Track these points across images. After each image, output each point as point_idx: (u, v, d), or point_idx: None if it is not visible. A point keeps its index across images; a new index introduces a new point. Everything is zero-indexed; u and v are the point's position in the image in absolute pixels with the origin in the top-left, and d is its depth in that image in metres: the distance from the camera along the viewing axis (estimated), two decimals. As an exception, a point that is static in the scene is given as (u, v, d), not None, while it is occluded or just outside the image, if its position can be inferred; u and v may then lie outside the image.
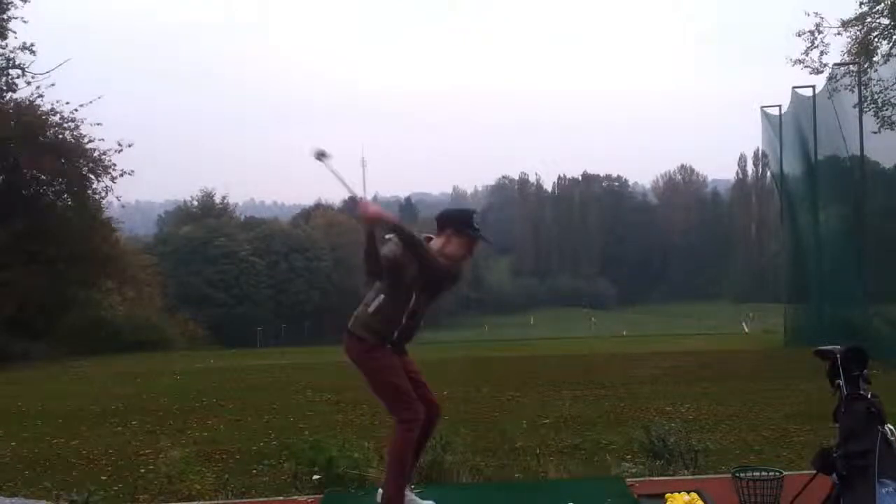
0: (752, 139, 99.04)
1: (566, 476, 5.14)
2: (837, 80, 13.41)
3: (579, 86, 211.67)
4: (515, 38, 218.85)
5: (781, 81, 22.52)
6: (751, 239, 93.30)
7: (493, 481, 5.09)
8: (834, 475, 3.48)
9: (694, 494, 4.16)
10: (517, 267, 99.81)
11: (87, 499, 4.63)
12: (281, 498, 4.79)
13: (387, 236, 4.02)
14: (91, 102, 21.99)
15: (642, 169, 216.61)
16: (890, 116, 12.51)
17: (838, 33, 14.12)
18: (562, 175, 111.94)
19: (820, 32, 13.90)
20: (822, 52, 13.95)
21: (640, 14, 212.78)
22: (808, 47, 13.91)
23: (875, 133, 12.40)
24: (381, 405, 4.13)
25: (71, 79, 23.58)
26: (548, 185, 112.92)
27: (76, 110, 21.89)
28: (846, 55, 14.33)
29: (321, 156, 3.99)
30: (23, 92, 21.76)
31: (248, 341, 45.56)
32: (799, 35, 13.99)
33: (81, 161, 22.51)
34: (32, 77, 21.26)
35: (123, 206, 26.65)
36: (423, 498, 4.24)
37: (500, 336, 46.30)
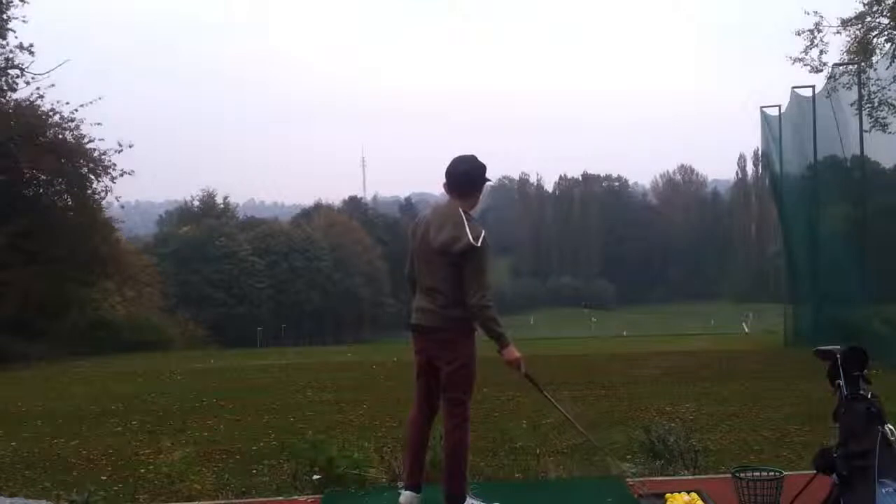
0: (752, 139, 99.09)
1: (566, 476, 5.13)
2: (836, 80, 13.41)
3: (579, 86, 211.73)
4: (515, 38, 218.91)
5: (781, 81, 22.56)
6: (751, 239, 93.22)
7: (493, 481, 5.08)
8: (834, 475, 3.48)
9: (694, 494, 4.16)
10: (517, 267, 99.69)
11: (87, 499, 4.63)
12: (281, 498, 4.79)
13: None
14: (91, 102, 22.05)
15: (642, 169, 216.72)
16: (884, 118, 12.50)
17: (837, 32, 14.14)
18: (562, 175, 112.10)
19: (819, 31, 13.91)
20: (821, 51, 13.97)
21: (640, 14, 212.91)
22: (808, 46, 13.92)
23: (867, 132, 12.40)
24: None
25: (71, 79, 23.58)
26: (548, 185, 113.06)
27: (76, 110, 21.95)
28: (845, 54, 14.34)
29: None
30: (23, 92, 21.81)
31: (248, 341, 45.51)
32: (798, 34, 14.01)
33: (81, 161, 22.53)
34: (32, 77, 21.28)
35: (123, 207, 26.72)
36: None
37: (499, 336, 46.17)
